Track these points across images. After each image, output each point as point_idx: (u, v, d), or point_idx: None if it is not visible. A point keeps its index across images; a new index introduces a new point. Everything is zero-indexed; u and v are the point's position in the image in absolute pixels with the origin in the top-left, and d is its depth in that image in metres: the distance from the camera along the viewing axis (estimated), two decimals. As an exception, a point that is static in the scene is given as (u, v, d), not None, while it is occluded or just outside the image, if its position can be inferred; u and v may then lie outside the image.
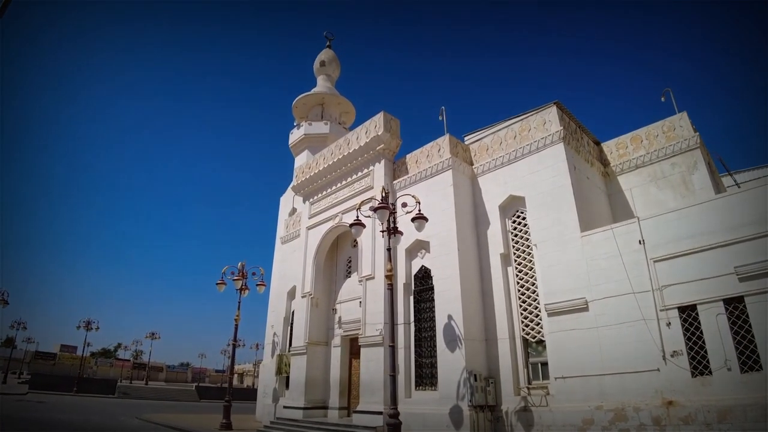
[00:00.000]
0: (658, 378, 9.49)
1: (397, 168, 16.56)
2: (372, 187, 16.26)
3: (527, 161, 13.24)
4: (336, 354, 16.82)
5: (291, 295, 19.77)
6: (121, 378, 58.46)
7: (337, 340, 16.99)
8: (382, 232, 11.87)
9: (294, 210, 23.95)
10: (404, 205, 12.05)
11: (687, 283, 9.54)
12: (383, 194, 11.56)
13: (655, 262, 10.10)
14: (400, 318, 14.29)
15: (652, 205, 13.13)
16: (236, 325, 17.62)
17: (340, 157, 17.68)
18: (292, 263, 19.75)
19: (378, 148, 16.31)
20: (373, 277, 14.98)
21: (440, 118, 16.13)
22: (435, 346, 13.16)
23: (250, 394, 38.81)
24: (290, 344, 18.92)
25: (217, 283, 17.83)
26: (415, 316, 14.14)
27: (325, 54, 29.16)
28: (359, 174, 17.18)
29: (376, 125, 16.44)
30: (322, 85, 28.36)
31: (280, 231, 24.15)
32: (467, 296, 12.78)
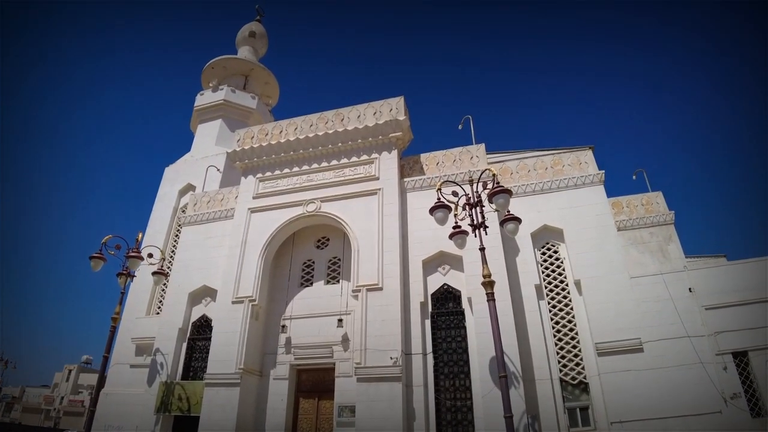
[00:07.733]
0: (721, 420, 9.67)
1: (405, 165, 14.03)
2: (377, 178, 13.21)
3: (565, 195, 13.01)
4: (278, 389, 11.72)
5: (197, 297, 13.46)
6: None
7: (281, 370, 11.94)
8: (474, 226, 9.29)
9: (191, 186, 17.49)
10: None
11: (738, 331, 10.43)
12: (494, 177, 9.20)
13: (706, 309, 10.79)
14: (415, 346, 11.12)
15: (634, 266, 14.39)
16: (114, 326, 10.45)
17: (329, 132, 13.98)
18: (209, 254, 13.68)
19: (392, 135, 13.59)
20: (380, 288, 11.45)
21: (460, 127, 14.87)
22: (464, 384, 10.56)
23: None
24: (185, 369, 12.45)
25: (91, 257, 10.61)
26: (432, 345, 11.23)
27: (255, 26, 24.51)
28: (353, 159, 13.78)
29: (392, 108, 13.81)
30: (247, 56, 23.25)
31: (164, 209, 17.18)
32: (509, 328, 10.91)
